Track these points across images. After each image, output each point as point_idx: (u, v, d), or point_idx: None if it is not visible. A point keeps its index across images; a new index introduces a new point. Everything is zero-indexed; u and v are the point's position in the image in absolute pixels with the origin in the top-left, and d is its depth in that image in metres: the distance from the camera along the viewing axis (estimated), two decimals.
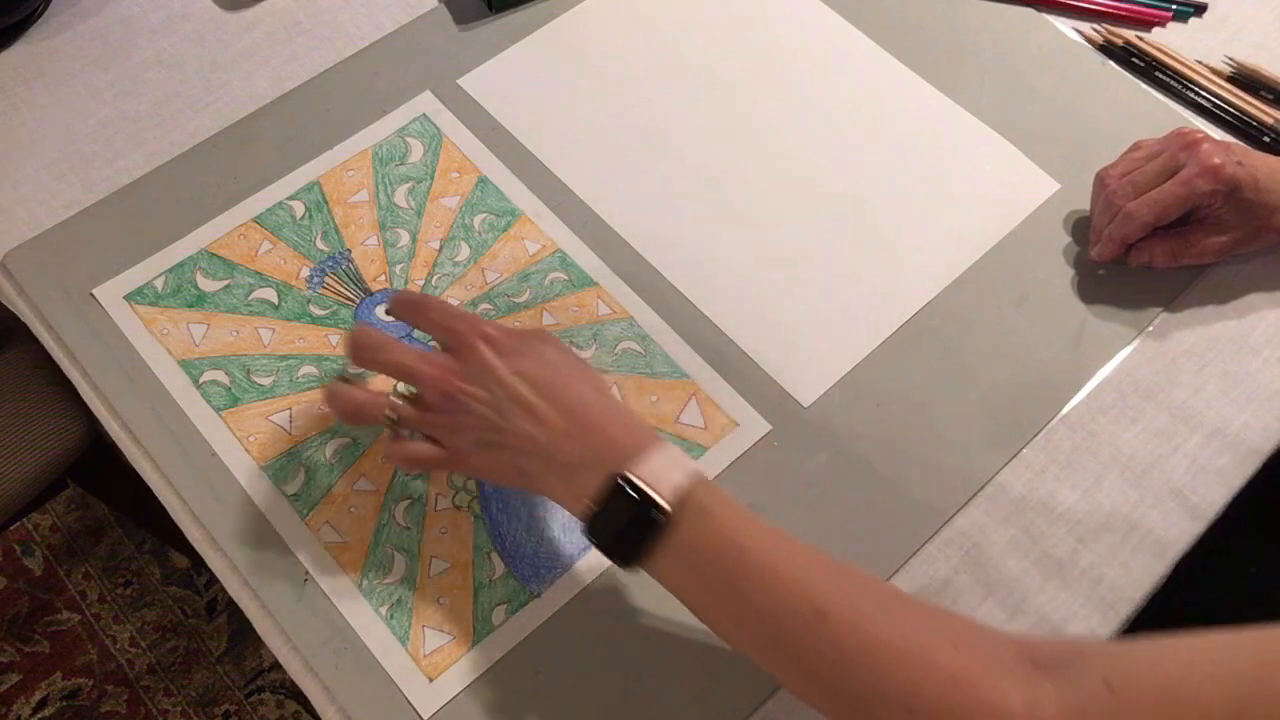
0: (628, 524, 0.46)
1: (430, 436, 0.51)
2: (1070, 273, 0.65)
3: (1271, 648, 0.37)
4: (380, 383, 0.58)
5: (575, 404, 0.48)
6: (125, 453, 0.59)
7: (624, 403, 0.50)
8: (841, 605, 0.43)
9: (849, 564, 0.46)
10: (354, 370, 0.56)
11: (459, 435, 0.50)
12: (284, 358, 0.61)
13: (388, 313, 0.55)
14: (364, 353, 0.51)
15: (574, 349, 0.53)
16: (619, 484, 0.46)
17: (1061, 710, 0.40)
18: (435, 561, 0.56)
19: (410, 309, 0.53)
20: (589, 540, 0.47)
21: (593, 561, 0.56)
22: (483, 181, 0.67)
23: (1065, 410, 0.61)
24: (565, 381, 0.49)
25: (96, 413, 0.60)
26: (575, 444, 0.48)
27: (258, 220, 0.66)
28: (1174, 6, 0.75)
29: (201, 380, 0.60)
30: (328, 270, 0.64)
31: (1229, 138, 0.70)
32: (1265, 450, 0.60)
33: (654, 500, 0.45)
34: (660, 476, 0.46)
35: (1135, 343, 0.63)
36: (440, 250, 0.65)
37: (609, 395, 0.50)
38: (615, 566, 0.55)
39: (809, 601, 0.43)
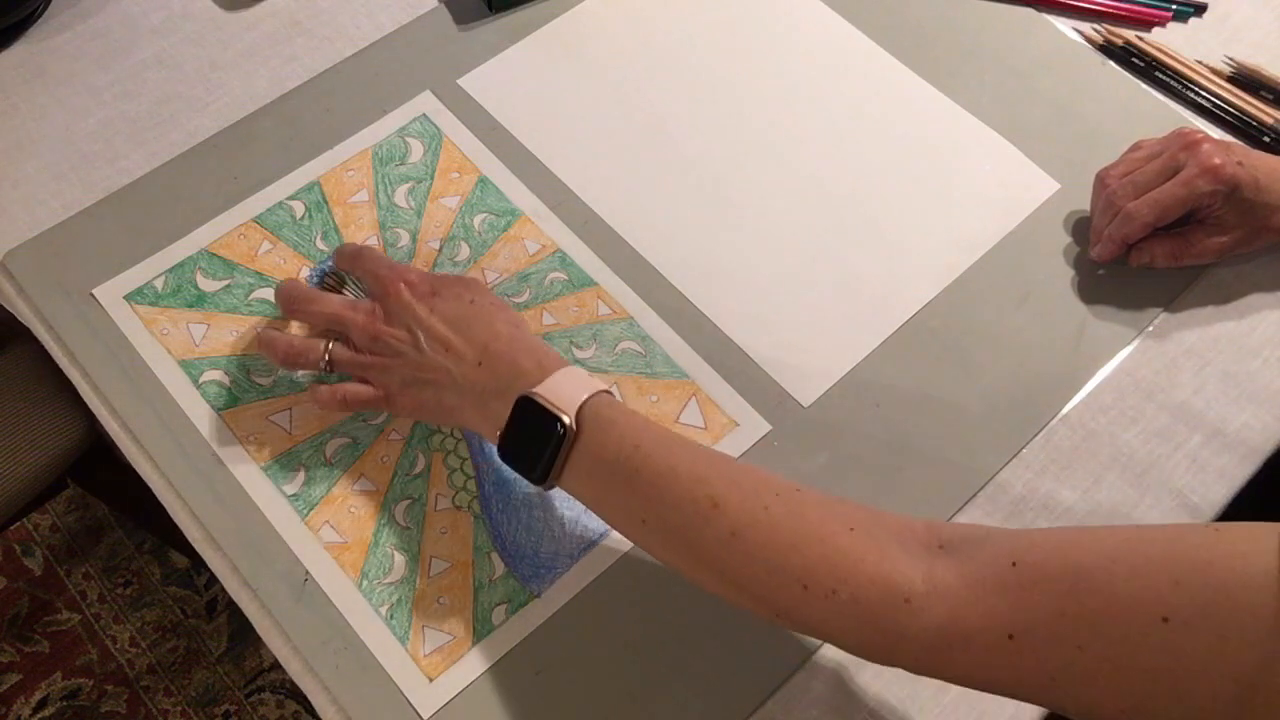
0: (535, 441, 0.49)
1: (361, 379, 0.55)
2: (1070, 273, 0.65)
3: (1185, 539, 0.38)
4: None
5: (487, 337, 0.52)
6: (125, 453, 0.59)
7: (538, 339, 0.54)
8: (736, 496, 0.45)
9: (751, 464, 0.49)
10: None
11: (387, 375, 0.54)
12: None
13: (335, 263, 0.60)
14: (294, 304, 0.56)
15: (498, 296, 0.58)
16: (524, 404, 0.49)
17: (960, 581, 0.41)
18: (435, 561, 0.56)
19: (348, 258, 0.58)
20: (504, 462, 0.50)
21: (593, 561, 0.56)
22: (483, 181, 0.67)
23: (1065, 410, 0.61)
24: (480, 317, 0.53)
25: (96, 413, 0.60)
26: (486, 373, 0.51)
27: (258, 220, 0.66)
28: (1174, 6, 0.75)
29: (201, 380, 0.60)
30: (328, 270, 0.64)
31: (1229, 138, 0.70)
32: (1265, 450, 0.60)
33: (556, 415, 0.48)
34: (562, 395, 0.49)
35: (1135, 343, 0.63)
36: (440, 250, 0.65)
37: (522, 329, 0.54)
38: (615, 567, 0.56)
39: (705, 494, 0.45)
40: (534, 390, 0.49)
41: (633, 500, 0.47)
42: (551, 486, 0.50)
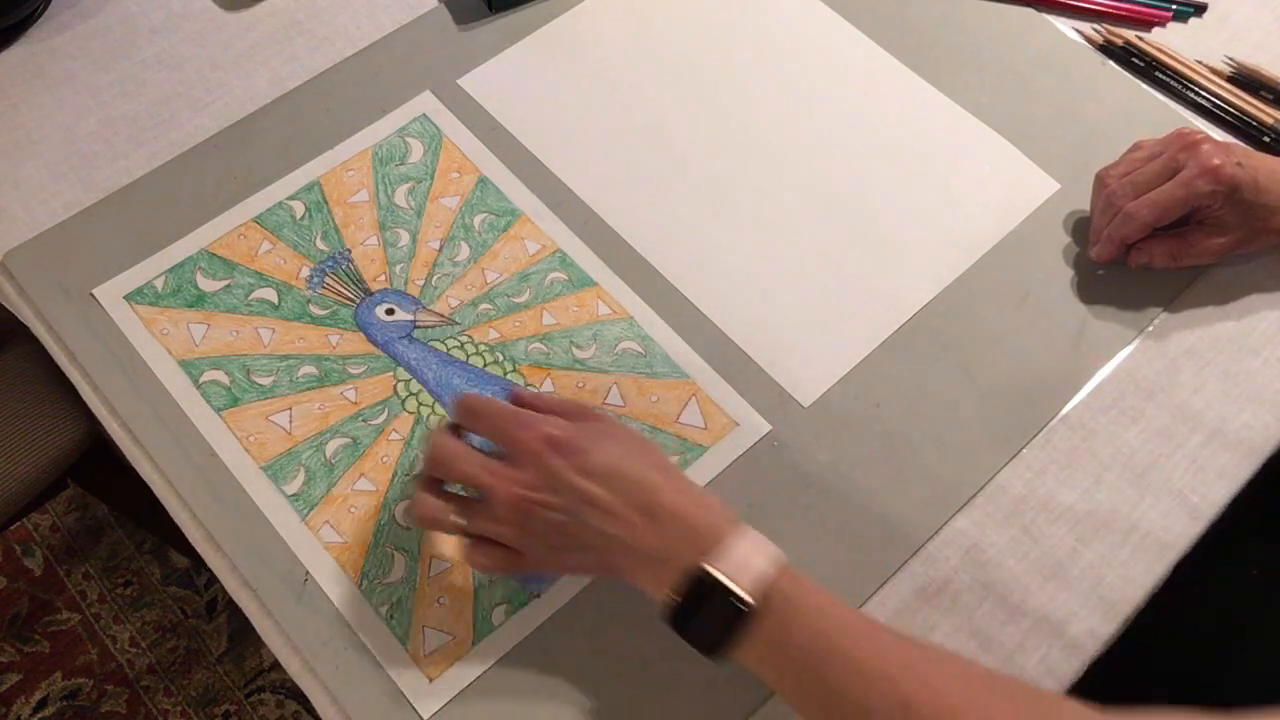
0: (711, 617, 0.45)
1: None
2: (1070, 273, 0.65)
3: None
4: None
5: (650, 496, 0.47)
6: (125, 453, 0.59)
7: (692, 482, 0.50)
8: (927, 698, 0.42)
9: (936, 647, 0.46)
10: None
11: (534, 540, 0.49)
12: (284, 358, 0.61)
13: (456, 424, 0.53)
14: (435, 468, 0.51)
15: (624, 424, 0.53)
16: (700, 577, 0.45)
17: None
18: (435, 561, 0.56)
19: (467, 415, 0.52)
20: (671, 628, 0.47)
21: None
22: (483, 181, 0.67)
23: (1065, 410, 0.61)
24: (634, 472, 0.48)
25: (96, 413, 0.60)
26: (655, 536, 0.47)
27: (258, 220, 0.66)
28: (1174, 6, 0.75)
29: (201, 380, 0.60)
30: (328, 270, 0.64)
31: (1229, 138, 0.70)
32: (1265, 450, 0.60)
33: (736, 594, 0.44)
34: (742, 568, 0.45)
35: (1135, 343, 0.63)
36: (440, 250, 0.65)
37: (678, 475, 0.49)
38: None
39: (896, 696, 0.43)
40: (712, 562, 0.45)
41: (817, 691, 0.44)
42: (722, 661, 0.47)
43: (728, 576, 0.45)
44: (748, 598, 0.44)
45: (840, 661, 0.44)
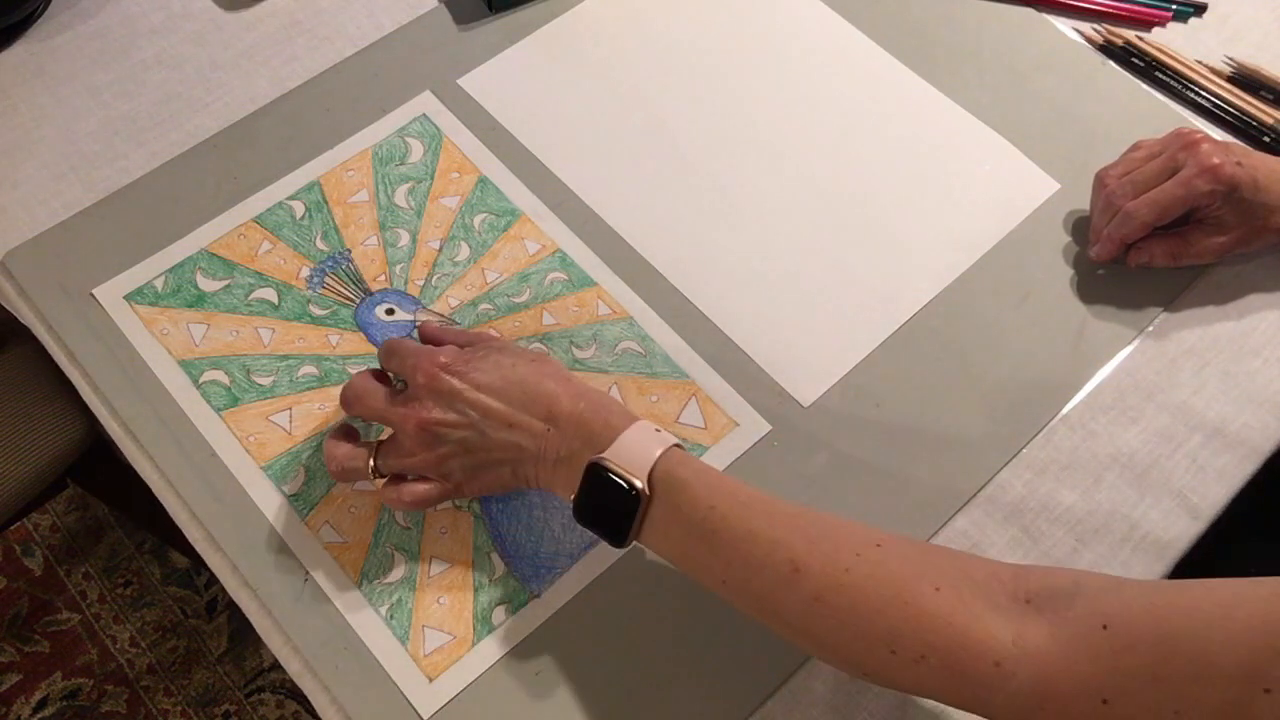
0: (609, 507, 0.48)
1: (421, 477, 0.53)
2: (1070, 273, 0.65)
3: None
4: None
5: (548, 402, 0.50)
6: (125, 453, 0.59)
7: (590, 387, 0.51)
8: (816, 559, 0.44)
9: (830, 515, 0.47)
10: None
11: (445, 465, 0.51)
12: (284, 358, 0.61)
13: (378, 369, 0.55)
14: (347, 406, 0.53)
15: (517, 346, 0.54)
16: (595, 470, 0.48)
17: (1051, 642, 0.40)
18: (435, 561, 0.56)
19: (384, 355, 0.54)
20: (580, 524, 0.50)
21: (593, 561, 0.56)
22: (483, 181, 0.67)
23: (1065, 410, 0.61)
24: (530, 381, 0.51)
25: (96, 413, 0.60)
26: (557, 440, 0.50)
27: (258, 220, 0.66)
28: (1174, 6, 0.75)
29: (201, 380, 0.60)
30: (328, 270, 0.64)
31: (1229, 138, 0.70)
32: (1265, 450, 0.60)
33: (628, 481, 0.47)
34: (634, 457, 0.47)
35: (1135, 343, 0.63)
36: (440, 250, 0.65)
37: (575, 382, 0.52)
38: (615, 567, 0.55)
39: (785, 558, 0.44)
40: (604, 456, 0.47)
41: (713, 562, 0.47)
42: (629, 546, 0.50)
43: (620, 467, 0.47)
44: (638, 483, 0.47)
45: (731, 529, 0.46)
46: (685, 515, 0.47)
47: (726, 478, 0.48)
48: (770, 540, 0.45)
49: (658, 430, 0.49)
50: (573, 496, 0.49)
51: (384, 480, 0.53)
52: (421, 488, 0.52)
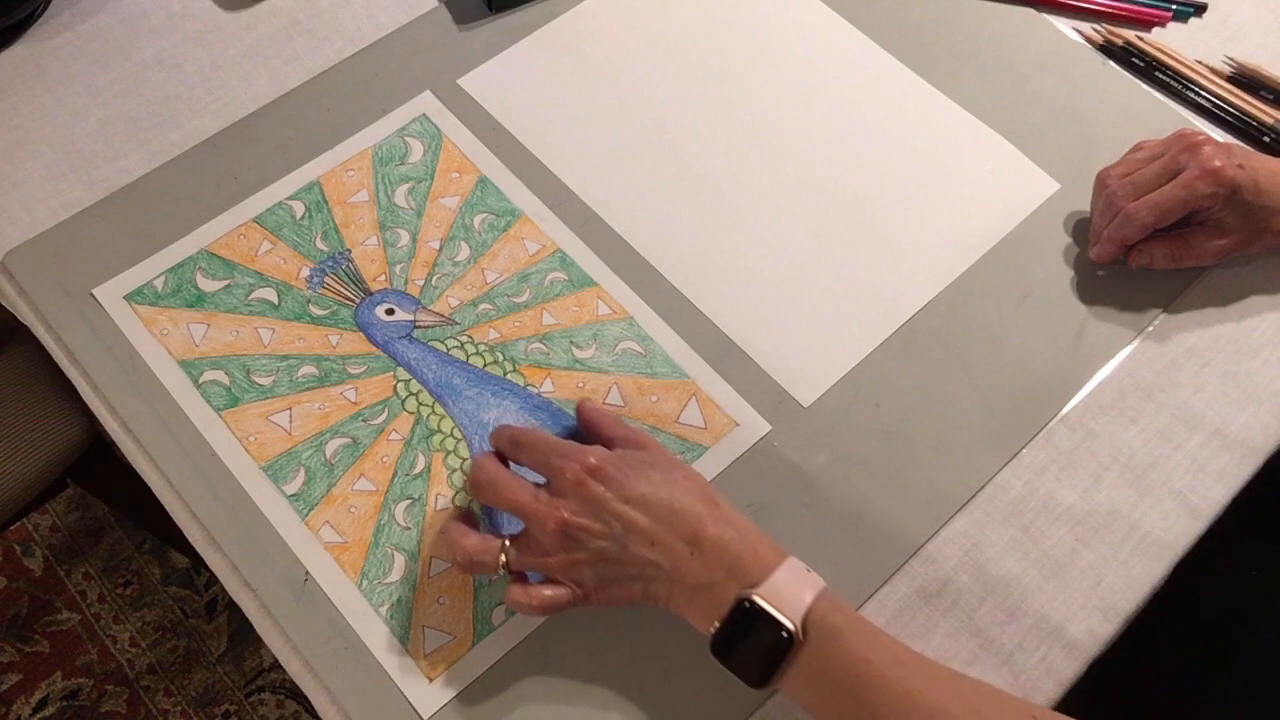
0: (754, 646, 0.46)
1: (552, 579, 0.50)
2: (1070, 273, 0.65)
3: None
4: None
5: (694, 524, 0.47)
6: (125, 453, 0.59)
7: (735, 511, 0.49)
8: None
9: (985, 684, 0.46)
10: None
11: (579, 571, 0.49)
12: (284, 358, 0.61)
13: (495, 447, 0.53)
14: (479, 491, 0.51)
15: (672, 454, 0.52)
16: (744, 606, 0.46)
17: None
18: (435, 561, 0.56)
19: (511, 445, 0.52)
20: (716, 658, 0.47)
21: None
22: (483, 181, 0.67)
23: (1065, 410, 0.61)
24: (676, 498, 0.48)
25: (96, 413, 0.60)
26: (699, 565, 0.47)
27: (258, 220, 0.66)
28: (1174, 6, 0.75)
29: (201, 380, 0.60)
30: (328, 270, 0.64)
31: (1229, 138, 0.70)
32: (1265, 450, 0.60)
33: (780, 623, 0.45)
34: (786, 597, 0.45)
35: (1135, 343, 0.63)
36: (440, 250, 0.65)
37: (722, 505, 0.49)
38: None
39: None
40: (755, 592, 0.46)
41: (860, 717, 0.45)
42: (768, 690, 0.47)
43: (771, 605, 0.45)
44: (791, 625, 0.45)
45: (888, 688, 0.44)
46: (837, 666, 0.45)
47: (879, 630, 0.47)
48: (931, 704, 0.44)
49: (809, 570, 0.47)
50: (711, 629, 0.47)
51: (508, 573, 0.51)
52: (549, 592, 0.49)
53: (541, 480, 0.51)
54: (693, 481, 0.50)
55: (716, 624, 0.47)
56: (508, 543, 0.50)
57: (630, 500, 0.48)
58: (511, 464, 0.52)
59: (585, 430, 0.55)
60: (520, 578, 0.51)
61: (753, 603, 0.45)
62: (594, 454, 0.49)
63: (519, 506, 0.49)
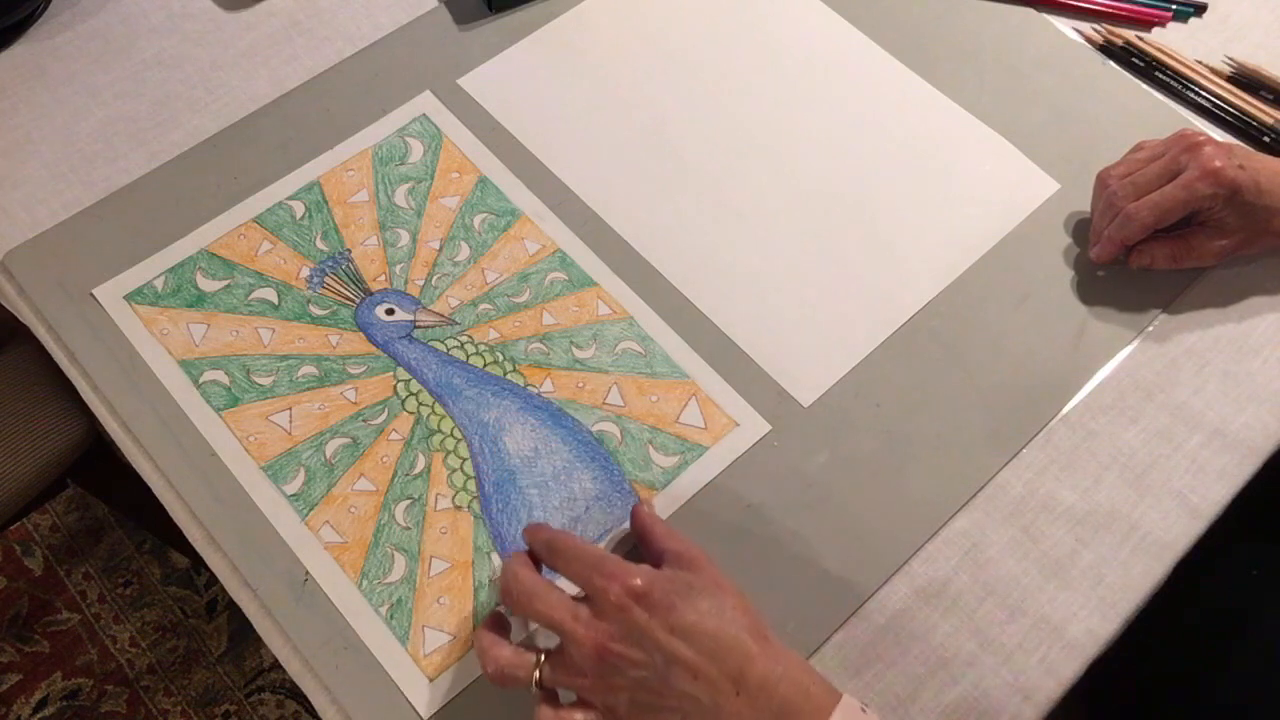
0: None
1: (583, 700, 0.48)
2: (1070, 273, 0.65)
3: None
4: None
5: (741, 661, 0.45)
6: (125, 453, 0.59)
7: (785, 648, 0.46)
8: None
9: None
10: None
11: (614, 696, 0.46)
12: (284, 358, 0.61)
13: (530, 553, 0.51)
14: (512, 602, 0.48)
15: (721, 577, 0.49)
16: None
17: None
18: (435, 561, 0.56)
19: (547, 551, 0.50)
20: None
21: None
22: (483, 181, 0.67)
23: (1065, 410, 0.61)
24: (724, 631, 0.45)
25: (96, 413, 0.60)
26: (746, 705, 0.44)
27: (258, 220, 0.66)
28: (1174, 6, 0.75)
29: (201, 380, 0.60)
30: (328, 270, 0.64)
31: (1229, 138, 0.70)
32: (1265, 450, 0.60)
33: None
34: None
35: (1135, 343, 0.63)
36: (440, 250, 0.65)
37: (771, 640, 0.46)
38: None
39: None
40: None
41: None
42: None
43: None
44: None
45: None
46: None
47: None
48: None
49: (864, 709, 0.45)
50: None
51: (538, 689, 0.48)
52: (580, 716, 0.47)
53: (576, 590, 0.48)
54: (742, 612, 0.47)
55: None
56: (542, 658, 0.47)
57: (675, 630, 0.45)
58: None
59: (636, 538, 0.54)
60: (550, 695, 0.48)
61: None
62: (640, 575, 0.46)
63: (556, 624, 0.46)
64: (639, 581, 0.46)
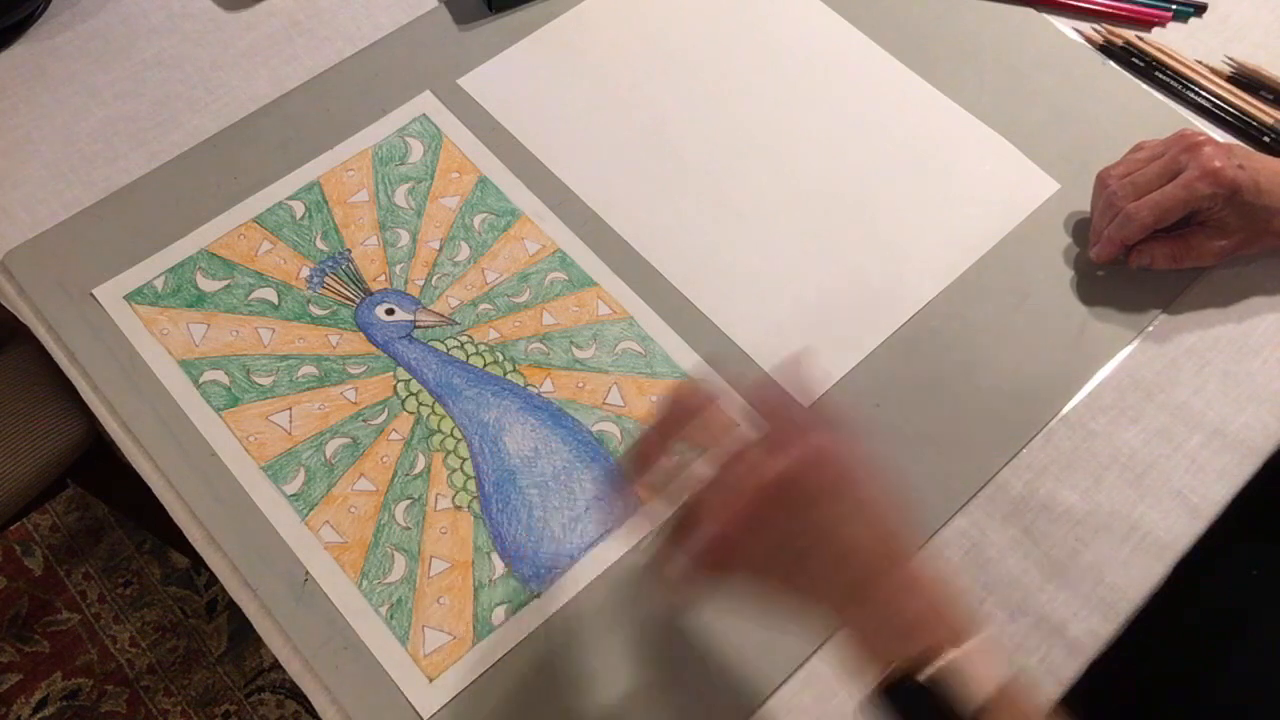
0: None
1: None
2: (1070, 273, 0.65)
3: None
4: None
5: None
6: (125, 453, 0.59)
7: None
8: None
9: None
10: None
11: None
12: (284, 358, 0.61)
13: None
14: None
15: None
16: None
17: None
18: (435, 561, 0.56)
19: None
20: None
21: (593, 562, 0.56)
22: (483, 181, 0.67)
23: (1065, 410, 0.61)
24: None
25: (96, 413, 0.60)
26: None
27: (258, 220, 0.66)
28: (1174, 6, 0.75)
29: (201, 380, 0.60)
30: (328, 270, 0.64)
31: (1229, 138, 0.70)
32: (1265, 450, 0.60)
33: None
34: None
35: (1135, 343, 0.63)
36: (440, 250, 0.65)
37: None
38: (614, 566, 0.55)
39: None
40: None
41: None
42: None
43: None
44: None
45: None
46: None
47: None
48: None
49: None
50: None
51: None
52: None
53: None
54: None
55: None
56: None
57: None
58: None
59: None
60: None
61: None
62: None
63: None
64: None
